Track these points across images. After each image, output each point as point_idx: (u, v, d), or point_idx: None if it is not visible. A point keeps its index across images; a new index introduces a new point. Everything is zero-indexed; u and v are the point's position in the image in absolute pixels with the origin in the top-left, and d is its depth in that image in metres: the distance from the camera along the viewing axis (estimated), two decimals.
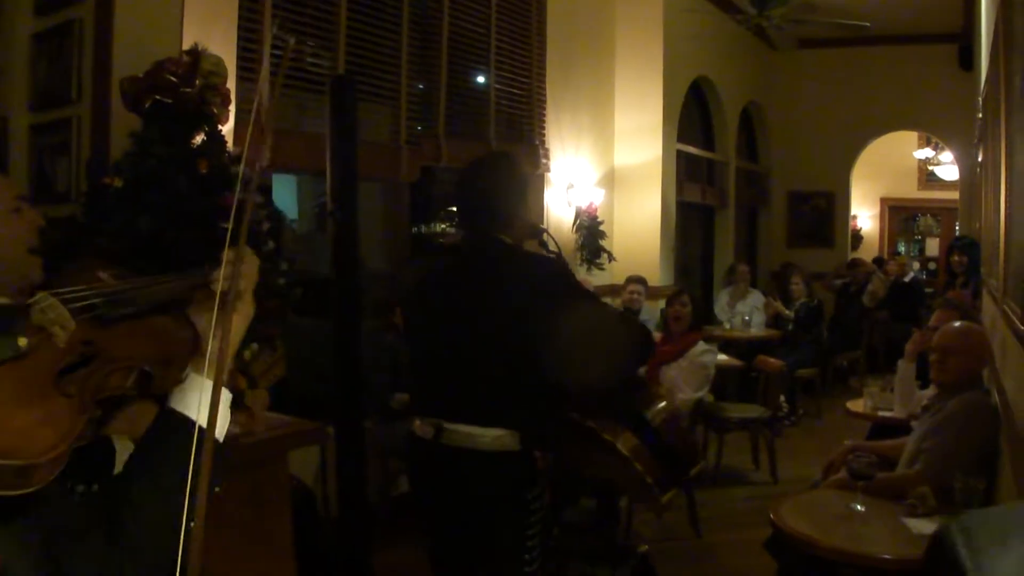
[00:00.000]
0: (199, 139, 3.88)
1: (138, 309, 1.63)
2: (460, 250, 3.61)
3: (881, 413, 5.93)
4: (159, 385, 1.59)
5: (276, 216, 4.92)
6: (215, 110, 3.85)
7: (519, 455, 3.33)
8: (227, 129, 4.22)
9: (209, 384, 1.55)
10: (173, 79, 3.67)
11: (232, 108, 4.16)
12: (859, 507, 3.90)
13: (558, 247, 3.70)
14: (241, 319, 1.71)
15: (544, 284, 3.34)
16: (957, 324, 4.75)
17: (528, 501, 3.36)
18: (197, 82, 3.74)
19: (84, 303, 1.52)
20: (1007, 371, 4.46)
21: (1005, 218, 4.44)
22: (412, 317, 3.81)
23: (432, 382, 3.53)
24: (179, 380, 1.62)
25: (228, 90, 3.96)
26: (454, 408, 3.37)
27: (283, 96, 5.53)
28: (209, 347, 1.62)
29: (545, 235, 3.72)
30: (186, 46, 4.08)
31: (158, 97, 3.71)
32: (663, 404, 3.62)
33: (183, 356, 1.64)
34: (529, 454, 3.37)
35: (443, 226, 8.49)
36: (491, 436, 3.30)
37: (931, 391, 4.99)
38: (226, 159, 3.84)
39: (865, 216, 17.66)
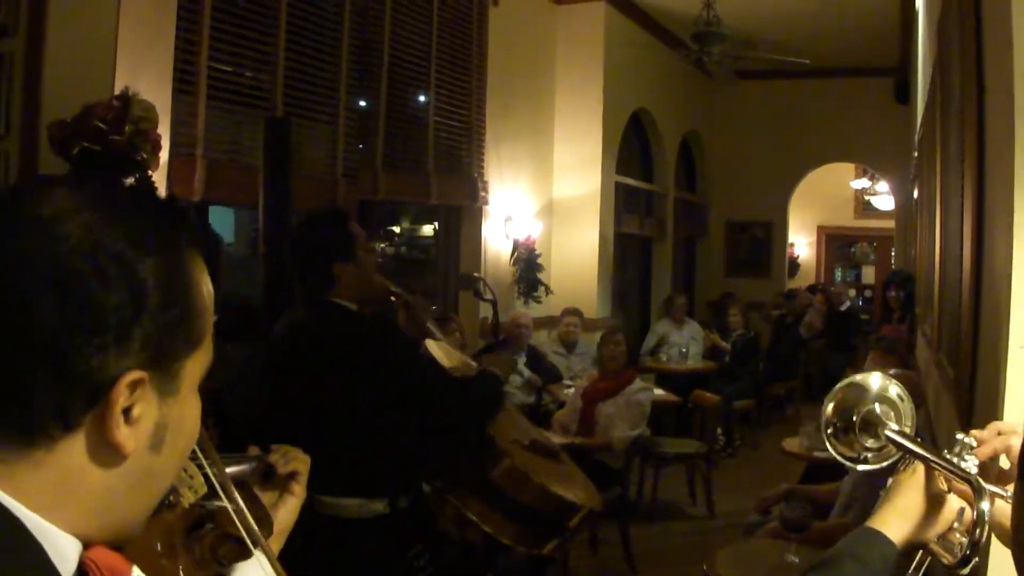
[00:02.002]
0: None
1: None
2: (295, 321, 3.48)
3: (816, 454, 5.92)
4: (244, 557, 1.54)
5: (213, 240, 4.84)
6: (145, 156, 3.76)
7: (391, 517, 3.29)
8: (158, 174, 4.14)
9: (264, 560, 1.48)
10: (102, 126, 3.59)
11: (165, 151, 4.09)
12: (793, 557, 3.89)
13: (493, 294, 3.68)
14: (297, 501, 1.76)
15: (371, 354, 3.28)
16: (890, 372, 4.77)
17: (410, 559, 3.31)
18: (127, 128, 3.66)
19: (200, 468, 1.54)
20: (939, 419, 4.49)
21: (939, 268, 4.48)
22: (269, 388, 3.69)
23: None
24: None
25: (159, 136, 3.87)
26: (314, 482, 3.31)
27: (218, 125, 5.45)
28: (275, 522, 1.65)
29: (481, 284, 3.70)
30: (119, 78, 3.99)
31: (86, 144, 3.63)
32: (506, 463, 3.49)
33: (260, 532, 1.56)
34: (401, 514, 3.32)
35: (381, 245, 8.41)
36: (355, 504, 3.27)
37: None
38: None
39: (802, 244, 17.84)
